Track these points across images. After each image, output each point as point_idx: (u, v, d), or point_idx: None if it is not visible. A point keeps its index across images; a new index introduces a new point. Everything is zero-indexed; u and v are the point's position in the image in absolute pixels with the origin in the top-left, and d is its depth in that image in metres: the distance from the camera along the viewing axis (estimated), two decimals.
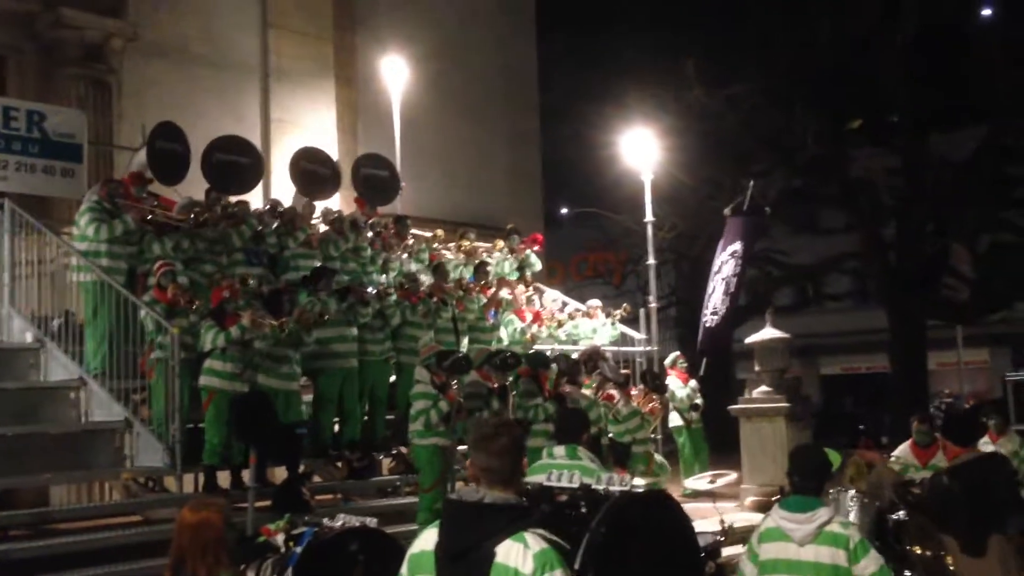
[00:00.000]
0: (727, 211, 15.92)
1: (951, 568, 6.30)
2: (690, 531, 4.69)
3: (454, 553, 3.46)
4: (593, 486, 4.57)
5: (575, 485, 4.65)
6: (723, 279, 15.63)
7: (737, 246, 15.73)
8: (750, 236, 16.21)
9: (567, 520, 4.05)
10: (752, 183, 16.57)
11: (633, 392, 12.88)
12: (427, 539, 3.60)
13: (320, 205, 13.95)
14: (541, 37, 22.90)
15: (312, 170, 14.71)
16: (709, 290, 15.77)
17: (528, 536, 3.40)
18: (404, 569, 3.63)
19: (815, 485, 5.68)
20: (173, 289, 10.28)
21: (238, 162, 13.84)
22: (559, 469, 5.78)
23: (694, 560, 4.64)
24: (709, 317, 15.68)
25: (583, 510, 4.30)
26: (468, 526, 3.47)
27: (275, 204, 13.20)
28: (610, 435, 12.17)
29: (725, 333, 15.85)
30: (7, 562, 8.09)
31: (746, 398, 14.35)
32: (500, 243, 15.38)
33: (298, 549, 5.25)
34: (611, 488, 4.52)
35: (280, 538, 5.31)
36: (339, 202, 15.75)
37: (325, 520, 5.66)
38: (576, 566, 3.62)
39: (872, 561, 5.47)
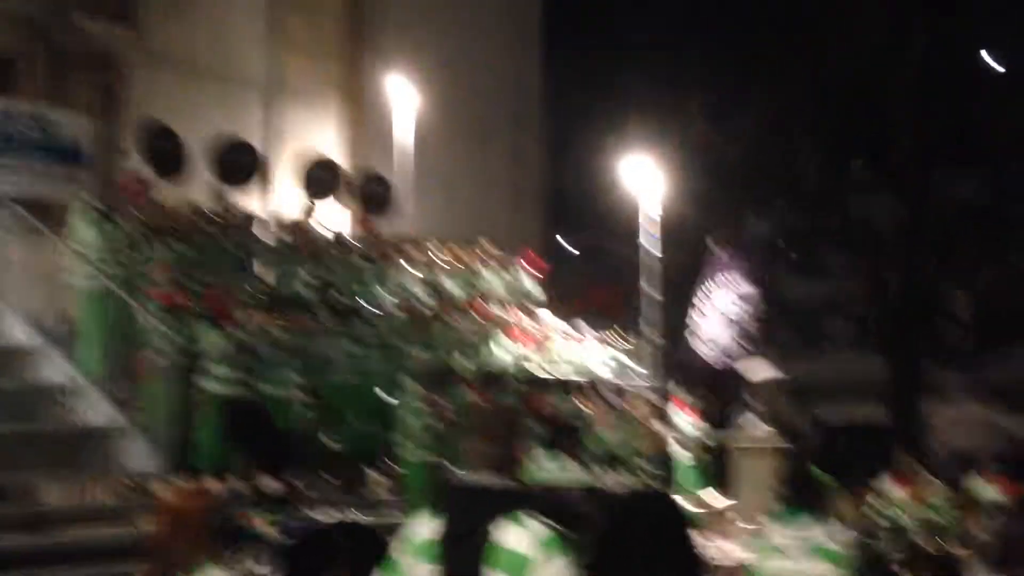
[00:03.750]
0: (711, 241, 15.92)
1: None
2: (689, 532, 4.66)
3: (452, 537, 3.40)
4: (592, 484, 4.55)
5: (570, 475, 4.61)
6: (724, 314, 15.51)
7: (736, 279, 15.65)
8: (762, 271, 16.11)
9: (566, 513, 4.02)
10: (753, 218, 16.57)
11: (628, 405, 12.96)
12: (424, 525, 3.52)
13: (320, 206, 14.13)
14: (547, 62, 23.00)
15: (315, 175, 14.83)
16: (697, 317, 15.62)
17: (526, 518, 3.35)
18: (401, 555, 3.54)
19: (806, 501, 5.71)
20: (174, 292, 10.30)
21: (238, 160, 13.98)
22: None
23: (694, 559, 4.60)
24: (705, 344, 15.57)
25: (583, 506, 4.27)
26: (466, 509, 3.42)
27: (276, 219, 13.29)
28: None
29: (721, 367, 15.67)
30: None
31: (743, 434, 14.24)
32: (487, 247, 15.40)
33: (286, 539, 5.21)
34: (611, 485, 4.50)
35: (267, 528, 5.29)
36: (340, 216, 15.81)
37: (312, 514, 5.64)
38: (576, 558, 3.57)
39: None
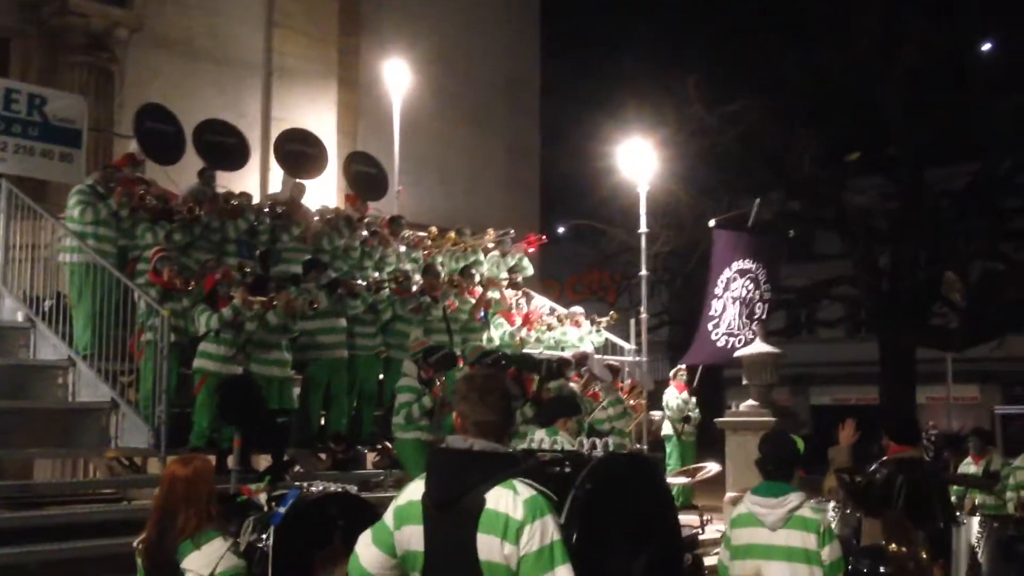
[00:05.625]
0: (712, 222, 15.86)
1: (925, 564, 6.37)
2: (669, 495, 4.74)
3: (443, 501, 3.42)
4: (576, 450, 4.61)
5: (558, 448, 4.68)
6: (736, 298, 15.44)
7: (748, 264, 15.59)
8: (770, 258, 16.03)
9: (551, 478, 4.04)
10: (758, 200, 16.53)
11: (620, 386, 13.02)
12: (413, 490, 3.56)
13: (309, 184, 14.18)
14: (544, 48, 23.03)
15: (298, 150, 14.88)
16: (716, 307, 15.51)
17: (517, 483, 3.37)
18: (390, 520, 3.57)
19: (785, 471, 5.74)
20: (169, 273, 10.35)
21: (225, 142, 14.04)
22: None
23: (674, 521, 4.68)
24: (723, 336, 15.45)
25: (567, 470, 4.30)
26: (457, 474, 3.42)
27: (272, 204, 13.35)
28: (589, 422, 12.20)
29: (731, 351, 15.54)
30: None
31: (733, 411, 14.38)
32: (491, 232, 15.45)
33: (280, 509, 5.28)
34: (595, 452, 4.55)
35: (262, 498, 5.35)
36: (334, 197, 15.88)
37: (305, 484, 5.70)
38: (562, 521, 3.60)
39: (834, 550, 5.55)
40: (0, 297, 11.26)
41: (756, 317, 15.69)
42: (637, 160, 16.66)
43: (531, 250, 15.95)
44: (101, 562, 7.80)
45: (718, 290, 15.47)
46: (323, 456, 11.29)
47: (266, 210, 13.07)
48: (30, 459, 10.35)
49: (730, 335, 15.52)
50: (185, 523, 4.44)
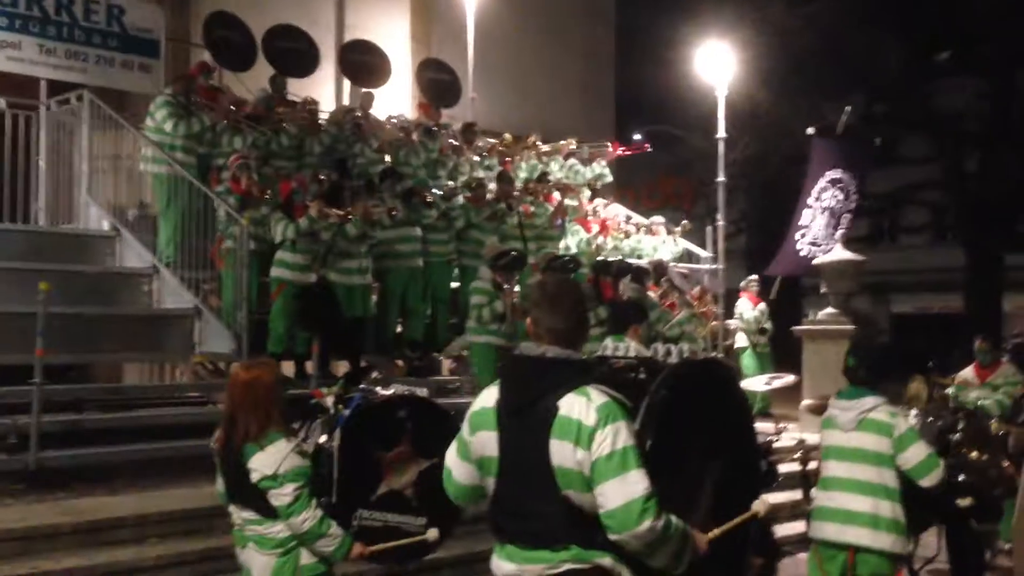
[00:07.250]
0: (811, 130, 15.35)
1: (1007, 473, 6.30)
2: (745, 401, 4.70)
3: (516, 407, 3.42)
4: (650, 355, 4.56)
5: (632, 355, 4.65)
6: (826, 208, 15.09)
7: (839, 174, 15.21)
8: (859, 166, 15.59)
9: (625, 384, 4.00)
10: (849, 108, 15.99)
11: (691, 294, 12.97)
12: (488, 396, 3.57)
13: (382, 92, 14.29)
14: None
15: (361, 60, 14.92)
16: (807, 217, 15.16)
17: (591, 390, 3.36)
18: (465, 427, 3.61)
19: (873, 378, 5.67)
20: (247, 181, 10.46)
21: (295, 48, 14.26)
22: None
23: (750, 428, 4.64)
24: (807, 246, 15.15)
25: (642, 376, 4.25)
26: (530, 380, 3.42)
27: (356, 120, 13.35)
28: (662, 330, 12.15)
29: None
30: (82, 431, 8.48)
31: (811, 319, 14.18)
32: (570, 140, 15.33)
33: (348, 411, 5.35)
34: (669, 358, 4.50)
35: (330, 401, 5.43)
36: (407, 105, 15.81)
37: (376, 388, 5.77)
38: (636, 427, 3.59)
39: (916, 453, 5.45)
40: (86, 206, 11.52)
41: (842, 227, 15.32)
42: (715, 64, 16.21)
43: (626, 152, 15.74)
44: (187, 461, 8.11)
45: (811, 200, 15.07)
46: (400, 363, 11.45)
47: (345, 123, 13.10)
48: (118, 363, 10.67)
49: (814, 245, 15.20)
50: (248, 425, 4.54)
